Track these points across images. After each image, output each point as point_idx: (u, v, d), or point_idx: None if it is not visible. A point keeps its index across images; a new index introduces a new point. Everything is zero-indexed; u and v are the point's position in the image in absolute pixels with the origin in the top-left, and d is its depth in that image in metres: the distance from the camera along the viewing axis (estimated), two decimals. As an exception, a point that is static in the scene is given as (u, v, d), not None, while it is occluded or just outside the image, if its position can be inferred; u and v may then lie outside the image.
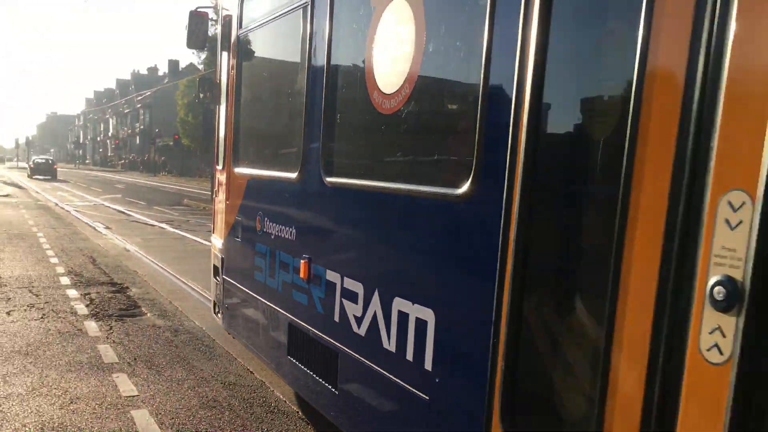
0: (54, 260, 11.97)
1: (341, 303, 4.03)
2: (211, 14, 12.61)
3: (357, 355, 3.86)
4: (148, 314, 8.30)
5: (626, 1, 2.48)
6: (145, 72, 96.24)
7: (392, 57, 3.66)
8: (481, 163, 2.89)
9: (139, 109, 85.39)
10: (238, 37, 5.81)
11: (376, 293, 3.69)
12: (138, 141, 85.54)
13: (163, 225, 19.20)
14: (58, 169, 59.34)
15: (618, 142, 2.26)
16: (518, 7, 2.67)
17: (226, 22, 6.11)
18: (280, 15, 5.06)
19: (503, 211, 2.72)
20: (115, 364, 6.27)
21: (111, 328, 7.49)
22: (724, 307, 1.89)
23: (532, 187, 2.64)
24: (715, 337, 1.94)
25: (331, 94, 4.20)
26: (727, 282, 1.87)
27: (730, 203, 1.89)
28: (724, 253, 1.91)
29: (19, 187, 38.70)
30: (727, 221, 1.90)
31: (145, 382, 5.85)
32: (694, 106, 2.05)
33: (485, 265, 2.84)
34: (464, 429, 3.02)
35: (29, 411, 5.07)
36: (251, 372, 6.23)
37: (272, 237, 5.00)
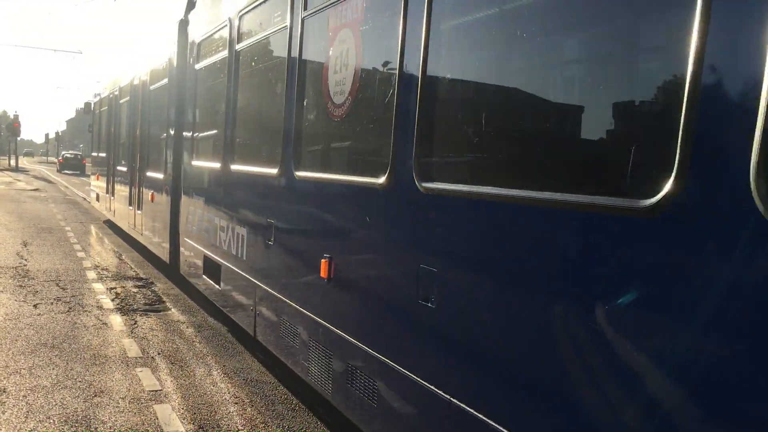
0: (81, 254, 12.12)
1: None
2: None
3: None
4: (173, 309, 8.36)
5: None
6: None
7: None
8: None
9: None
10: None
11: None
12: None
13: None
14: (87, 165, 60.18)
15: None
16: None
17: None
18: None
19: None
20: (139, 358, 6.32)
21: (135, 323, 7.56)
22: None
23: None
24: None
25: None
26: None
27: None
28: None
29: (49, 182, 39.31)
30: None
31: (168, 376, 5.89)
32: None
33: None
34: None
35: (54, 403, 5.12)
36: (273, 369, 6.24)
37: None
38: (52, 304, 8.16)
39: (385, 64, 4.18)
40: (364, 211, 4.30)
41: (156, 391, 5.53)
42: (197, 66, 8.43)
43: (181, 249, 9.00)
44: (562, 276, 2.66)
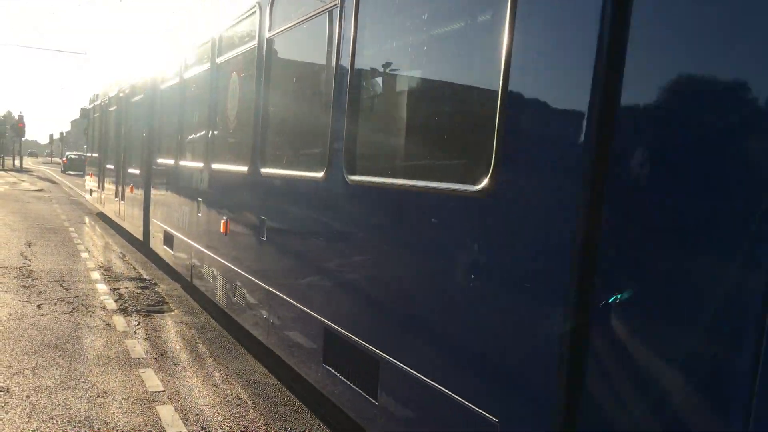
0: (84, 255, 12.14)
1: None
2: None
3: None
4: (176, 310, 8.36)
5: None
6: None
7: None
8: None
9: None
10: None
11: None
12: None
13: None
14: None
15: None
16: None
17: None
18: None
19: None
20: (142, 359, 6.33)
21: (139, 324, 7.56)
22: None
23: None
24: None
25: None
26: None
27: None
28: None
29: (53, 182, 39.40)
30: None
31: (171, 378, 5.89)
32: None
33: None
34: None
35: (57, 404, 5.13)
36: (276, 371, 6.24)
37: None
38: (55, 304, 8.17)
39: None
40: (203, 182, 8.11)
41: (159, 392, 5.53)
42: (161, 86, 11.12)
43: (150, 228, 11.51)
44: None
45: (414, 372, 3.46)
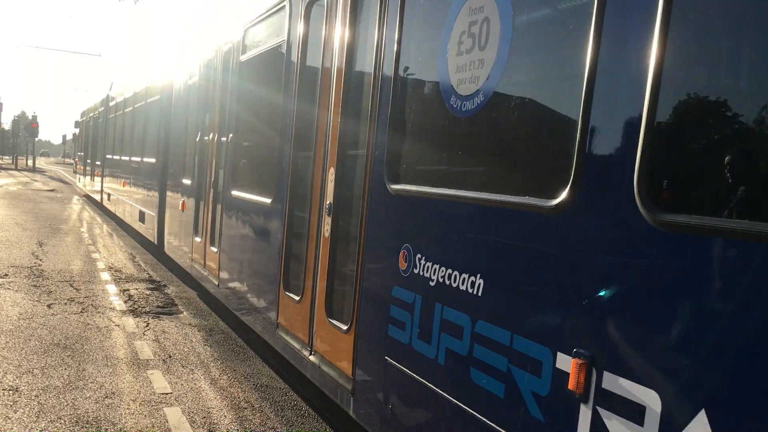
0: (95, 255, 12.20)
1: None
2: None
3: None
4: (184, 312, 8.39)
5: None
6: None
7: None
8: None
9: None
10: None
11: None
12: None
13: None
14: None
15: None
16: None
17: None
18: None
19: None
20: (151, 360, 6.35)
21: (148, 325, 7.59)
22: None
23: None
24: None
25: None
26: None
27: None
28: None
29: (65, 183, 39.63)
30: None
31: (178, 380, 5.91)
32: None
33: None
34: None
35: (65, 404, 5.15)
36: (283, 375, 6.25)
37: None
38: (65, 304, 8.22)
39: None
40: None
41: (167, 393, 5.54)
42: (110, 103, 19.64)
43: (103, 195, 20.22)
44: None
45: None
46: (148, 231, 12.27)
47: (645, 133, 2.31)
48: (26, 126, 61.59)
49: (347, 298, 4.46)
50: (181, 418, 5.06)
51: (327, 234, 4.77)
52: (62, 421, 4.82)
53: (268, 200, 5.89)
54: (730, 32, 2.45)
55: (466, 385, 3.12)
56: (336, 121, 4.70)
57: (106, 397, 5.36)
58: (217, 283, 7.44)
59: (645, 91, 2.31)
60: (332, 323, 4.57)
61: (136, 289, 9.52)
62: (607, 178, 2.49)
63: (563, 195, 2.62)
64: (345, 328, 4.38)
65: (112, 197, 17.86)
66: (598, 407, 2.42)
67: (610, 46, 2.52)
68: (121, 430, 4.77)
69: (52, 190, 31.16)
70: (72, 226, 16.65)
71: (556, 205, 2.65)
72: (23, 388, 5.40)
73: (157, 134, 11.92)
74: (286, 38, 5.72)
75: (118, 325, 7.46)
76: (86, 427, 4.76)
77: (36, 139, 64.57)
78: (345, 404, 4.43)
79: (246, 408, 5.41)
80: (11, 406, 5.03)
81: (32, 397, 5.22)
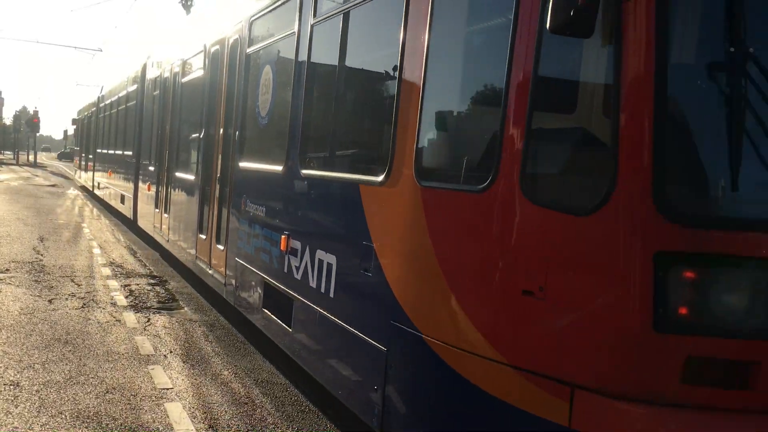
0: (96, 251, 12.21)
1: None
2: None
3: None
4: (185, 308, 8.39)
5: None
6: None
7: None
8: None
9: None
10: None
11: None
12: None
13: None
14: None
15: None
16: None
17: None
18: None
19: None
20: (151, 356, 6.35)
21: (149, 320, 7.59)
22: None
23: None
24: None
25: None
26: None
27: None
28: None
29: (66, 178, 39.65)
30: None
31: (179, 375, 5.91)
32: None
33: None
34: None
35: (66, 399, 5.15)
36: (283, 370, 6.25)
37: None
38: (66, 299, 8.22)
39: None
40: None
41: (167, 389, 5.55)
42: (100, 104, 22.38)
43: (94, 184, 23.01)
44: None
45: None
46: (127, 210, 15.34)
47: (302, 128, 5.51)
48: (27, 121, 61.54)
49: (223, 231, 7.57)
50: (182, 414, 5.06)
51: (217, 195, 7.92)
52: (63, 416, 4.83)
53: (192, 177, 9.19)
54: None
55: (264, 265, 6.18)
56: (219, 127, 8.02)
57: (107, 392, 5.36)
58: (167, 239, 10.74)
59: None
60: (218, 247, 7.75)
61: (137, 284, 9.52)
62: (290, 156, 5.64)
63: (282, 166, 5.81)
64: (222, 248, 7.55)
65: (101, 185, 21.25)
66: (289, 255, 5.49)
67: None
68: (121, 425, 4.77)
69: (53, 185, 31.18)
70: (72, 221, 16.65)
71: (281, 170, 5.81)
72: (24, 383, 5.41)
73: (134, 131, 14.80)
74: (202, 75, 9.11)
75: (119, 320, 7.46)
76: (87, 422, 4.76)
77: (37, 134, 64.54)
78: (221, 293, 7.65)
79: (247, 403, 5.41)
80: (12, 400, 5.03)
81: (33, 392, 5.22)
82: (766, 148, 2.85)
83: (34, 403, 5.02)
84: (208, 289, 8.62)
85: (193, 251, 8.84)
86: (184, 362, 6.27)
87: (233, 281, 7.09)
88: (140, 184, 13.67)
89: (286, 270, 5.55)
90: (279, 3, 6.31)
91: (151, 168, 12.32)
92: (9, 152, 77.88)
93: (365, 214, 4.28)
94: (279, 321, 5.75)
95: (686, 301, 2.79)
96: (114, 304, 8.18)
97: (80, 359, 6.08)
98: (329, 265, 4.75)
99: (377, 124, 4.79)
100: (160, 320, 7.67)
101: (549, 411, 2.99)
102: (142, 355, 6.34)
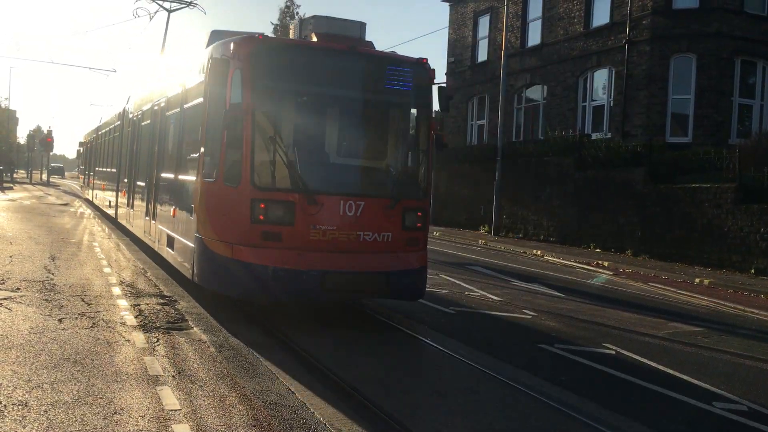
0: (107, 270, 12.24)
1: None
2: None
3: None
4: (195, 328, 8.37)
5: None
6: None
7: None
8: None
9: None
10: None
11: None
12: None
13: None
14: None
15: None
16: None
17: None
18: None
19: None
20: (160, 376, 6.32)
21: (158, 341, 7.58)
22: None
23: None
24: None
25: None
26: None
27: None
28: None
29: (78, 197, 39.90)
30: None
31: (188, 396, 5.88)
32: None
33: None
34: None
35: (74, 419, 5.13)
36: (293, 392, 6.21)
37: None
38: (76, 318, 8.22)
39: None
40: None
41: (175, 410, 5.51)
42: (99, 132, 28.98)
43: (93, 194, 30.33)
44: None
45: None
46: (112, 210, 21.65)
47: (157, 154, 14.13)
48: (41, 140, 62.14)
49: (150, 212, 13.98)
50: (190, 436, 5.02)
51: (155, 190, 13.63)
52: (71, 437, 4.80)
53: (144, 183, 14.97)
54: None
55: (166, 225, 12.39)
56: (155, 149, 14.04)
57: (115, 413, 5.33)
58: (130, 228, 17.49)
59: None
60: (153, 222, 13.72)
61: (147, 304, 9.51)
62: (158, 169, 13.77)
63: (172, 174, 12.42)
64: (154, 222, 13.51)
65: (98, 196, 27.60)
66: (173, 217, 11.96)
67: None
68: (129, 446, 4.73)
69: (65, 204, 31.39)
70: (84, 240, 16.73)
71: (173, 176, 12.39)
72: (32, 402, 5.39)
73: (117, 154, 21.10)
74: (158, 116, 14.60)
75: (128, 340, 7.45)
76: (94, 444, 4.73)
77: (51, 153, 65.19)
78: (152, 245, 14.07)
79: (255, 425, 5.37)
80: (20, 421, 5.01)
81: (41, 413, 5.20)
82: (285, 158, 9.23)
83: (42, 423, 4.99)
84: (218, 309, 8.56)
85: (141, 230, 15.40)
86: (192, 383, 6.24)
87: (157, 239, 13.38)
88: (119, 191, 19.98)
89: (171, 223, 11.83)
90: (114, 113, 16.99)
91: (125, 180, 18.34)
92: (23, 171, 78.63)
93: (191, 193, 10.42)
94: (169, 249, 11.96)
95: (260, 213, 8.91)
96: (124, 324, 8.18)
97: (89, 379, 6.06)
98: (181, 216, 11.17)
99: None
100: (169, 340, 7.65)
101: (228, 252, 9.17)
102: (150, 376, 6.32)
